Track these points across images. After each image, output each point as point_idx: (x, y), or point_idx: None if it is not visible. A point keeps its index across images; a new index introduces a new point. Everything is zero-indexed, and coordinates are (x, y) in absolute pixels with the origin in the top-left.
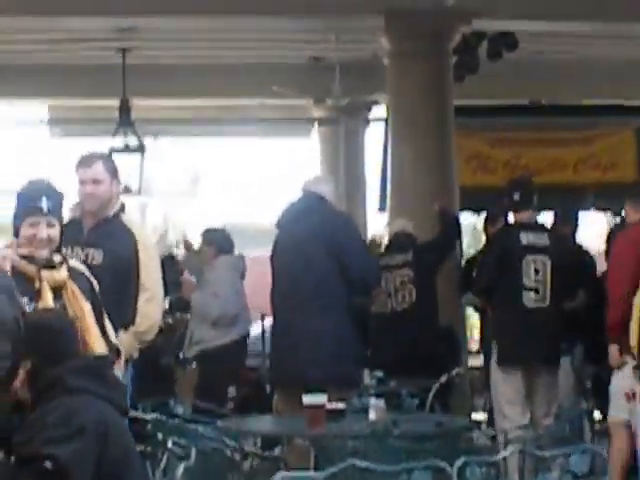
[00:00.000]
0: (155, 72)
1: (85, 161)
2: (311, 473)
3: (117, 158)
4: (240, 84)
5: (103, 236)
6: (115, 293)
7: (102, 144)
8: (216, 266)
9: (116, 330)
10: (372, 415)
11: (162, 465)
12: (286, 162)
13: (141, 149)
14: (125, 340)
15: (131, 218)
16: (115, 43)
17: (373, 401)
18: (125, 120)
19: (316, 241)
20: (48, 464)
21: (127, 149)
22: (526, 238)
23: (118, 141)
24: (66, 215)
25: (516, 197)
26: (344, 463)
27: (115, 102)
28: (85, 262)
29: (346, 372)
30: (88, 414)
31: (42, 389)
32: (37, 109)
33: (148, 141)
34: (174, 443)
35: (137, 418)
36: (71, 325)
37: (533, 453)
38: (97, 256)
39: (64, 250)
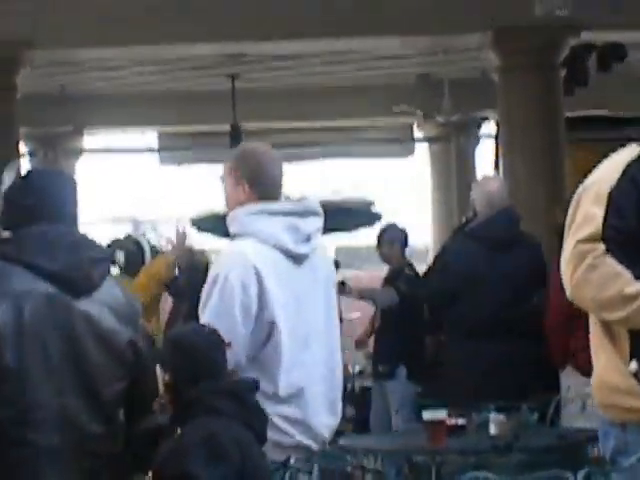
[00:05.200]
0: (264, 96)
1: None
2: None
3: None
4: (348, 105)
5: None
6: None
7: (213, 170)
8: None
9: None
10: (493, 430)
11: None
12: (392, 182)
13: None
14: None
15: None
16: (224, 69)
17: (493, 415)
18: (236, 145)
19: None
20: None
21: None
22: None
23: None
24: None
25: None
26: (467, 475)
27: (225, 127)
28: None
29: None
30: (228, 438)
31: (181, 406)
32: (147, 137)
33: None
34: (296, 459)
35: None
36: (217, 344)
37: None
38: None
39: None
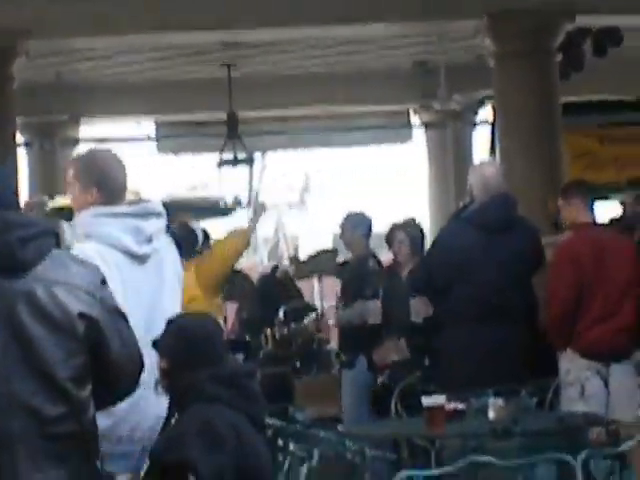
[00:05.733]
0: (260, 85)
1: None
2: (433, 470)
3: (226, 171)
4: (344, 92)
5: None
6: None
7: (210, 158)
8: None
9: None
10: (492, 414)
11: (285, 469)
12: (391, 168)
13: (250, 161)
14: None
15: None
16: (220, 57)
17: (492, 400)
18: (233, 133)
19: None
20: (192, 478)
21: (236, 162)
22: None
23: (226, 155)
24: None
25: None
26: (466, 459)
27: (223, 116)
28: None
29: None
30: (224, 425)
31: (178, 393)
32: (145, 126)
33: (257, 154)
34: (296, 447)
35: None
36: (215, 333)
37: None
38: None
39: None
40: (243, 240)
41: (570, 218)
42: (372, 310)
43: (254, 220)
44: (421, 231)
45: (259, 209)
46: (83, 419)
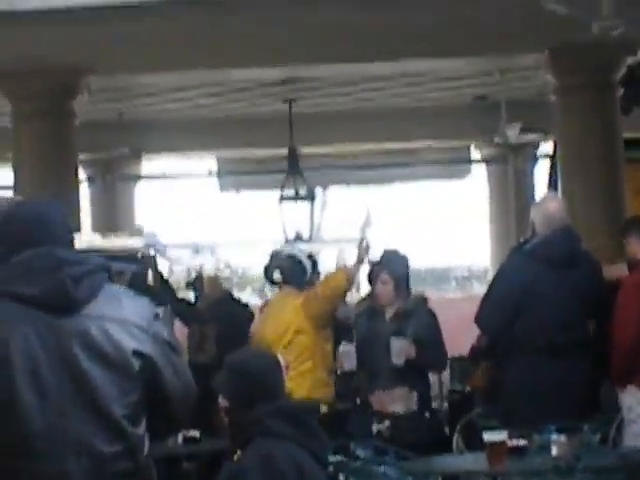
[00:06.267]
0: (321, 120)
1: None
2: None
3: (287, 207)
4: (404, 127)
5: None
6: None
7: (271, 194)
8: None
9: None
10: (554, 451)
11: None
12: (451, 203)
13: (311, 197)
14: None
15: None
16: (281, 93)
17: (555, 436)
18: (294, 169)
19: None
20: None
21: (297, 197)
22: None
23: (287, 190)
24: None
25: None
26: None
27: (283, 152)
28: None
29: None
30: (285, 461)
31: (240, 429)
32: (206, 162)
33: (318, 189)
34: None
35: None
36: (272, 367)
37: None
38: None
39: None
40: (347, 283)
41: (628, 254)
42: (346, 354)
43: (358, 261)
44: (406, 266)
45: (363, 250)
46: (138, 456)
